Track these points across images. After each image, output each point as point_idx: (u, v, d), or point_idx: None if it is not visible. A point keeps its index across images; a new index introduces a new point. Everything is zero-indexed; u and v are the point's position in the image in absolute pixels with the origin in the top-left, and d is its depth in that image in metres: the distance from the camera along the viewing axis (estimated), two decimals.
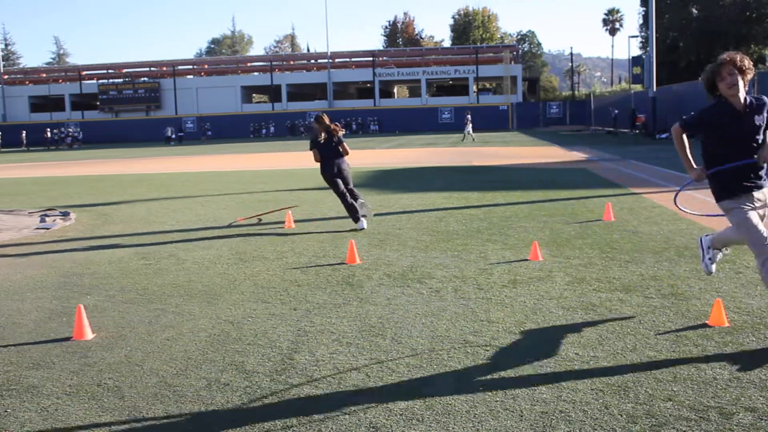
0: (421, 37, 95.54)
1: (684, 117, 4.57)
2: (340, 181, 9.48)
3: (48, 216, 11.71)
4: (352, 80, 71.87)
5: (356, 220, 9.45)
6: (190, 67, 76.48)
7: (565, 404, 3.51)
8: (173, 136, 57.57)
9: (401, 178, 17.51)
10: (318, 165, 9.66)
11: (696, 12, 52.22)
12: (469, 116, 41.80)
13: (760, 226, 4.39)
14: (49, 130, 60.32)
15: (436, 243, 8.12)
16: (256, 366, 4.23)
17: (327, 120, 9.57)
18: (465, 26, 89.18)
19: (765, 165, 4.41)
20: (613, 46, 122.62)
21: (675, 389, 3.65)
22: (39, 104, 72.19)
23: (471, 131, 40.41)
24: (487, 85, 77.81)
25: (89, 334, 4.93)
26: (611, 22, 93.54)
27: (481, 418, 3.40)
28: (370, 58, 68.20)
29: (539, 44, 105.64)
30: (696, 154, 4.53)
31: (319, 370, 4.14)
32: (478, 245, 7.88)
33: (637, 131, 40.71)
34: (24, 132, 59.34)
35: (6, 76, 73.26)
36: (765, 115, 4.36)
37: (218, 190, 15.77)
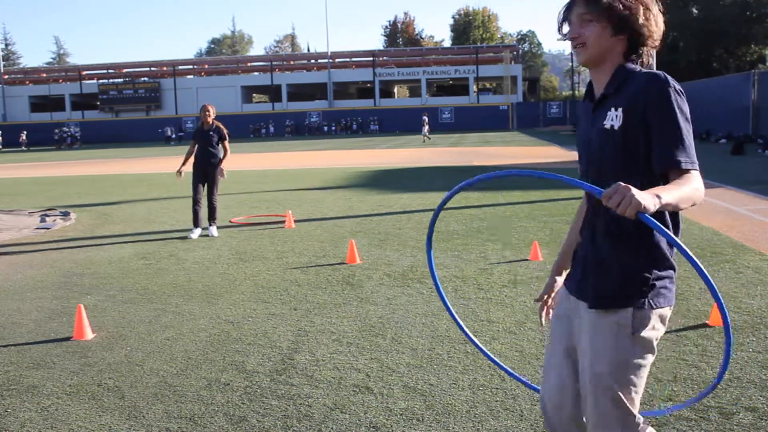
0: (421, 37, 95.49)
1: None
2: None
3: (48, 216, 11.71)
4: (352, 80, 71.83)
5: (192, 228, 9.37)
6: (190, 67, 76.43)
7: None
8: (173, 135, 57.60)
9: (401, 178, 17.51)
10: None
11: (696, 12, 52.19)
12: (425, 117, 42.37)
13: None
14: (63, 128, 60.58)
15: (436, 243, 8.11)
16: (256, 366, 4.23)
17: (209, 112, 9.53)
18: (465, 26, 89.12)
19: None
20: None
21: (675, 389, 3.64)
22: (39, 104, 72.14)
23: (427, 133, 40.91)
24: (487, 85, 77.78)
25: (89, 334, 4.93)
26: None
27: (481, 418, 3.40)
28: (370, 58, 68.17)
29: (539, 44, 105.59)
30: None
31: (319, 370, 4.14)
32: (478, 245, 7.88)
33: None
34: (24, 132, 59.15)
35: (6, 76, 73.21)
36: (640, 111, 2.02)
37: (218, 190, 15.74)
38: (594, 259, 2.11)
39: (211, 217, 9.43)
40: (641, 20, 2.01)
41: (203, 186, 9.45)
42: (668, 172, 1.95)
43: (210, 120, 9.45)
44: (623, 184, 1.72)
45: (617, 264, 2.05)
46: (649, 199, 1.72)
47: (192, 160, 9.50)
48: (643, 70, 2.05)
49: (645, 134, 1.98)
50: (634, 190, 1.70)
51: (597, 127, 2.08)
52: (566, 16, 2.09)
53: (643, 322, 2.03)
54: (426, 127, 41.11)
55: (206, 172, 9.39)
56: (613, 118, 2.01)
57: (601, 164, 2.07)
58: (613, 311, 2.04)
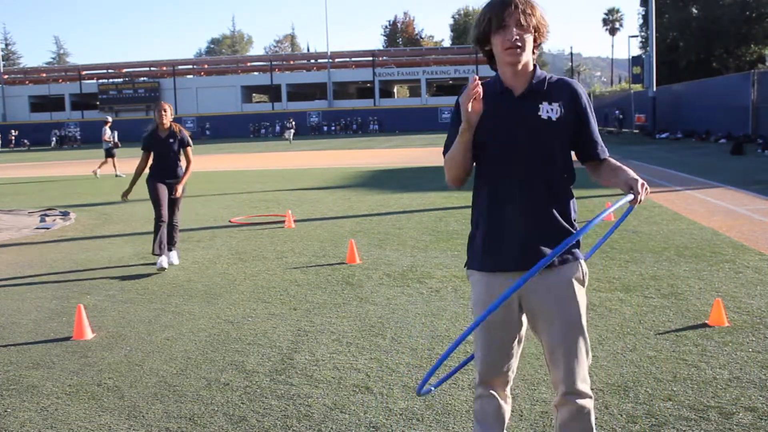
0: (421, 37, 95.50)
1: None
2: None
3: (48, 216, 11.71)
4: (352, 80, 71.80)
5: (157, 253, 7.19)
6: (190, 66, 76.39)
7: None
8: None
9: (401, 177, 17.51)
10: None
11: (696, 12, 52.15)
12: (292, 122, 43.50)
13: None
14: (63, 129, 60.73)
15: (436, 243, 8.11)
16: (256, 366, 4.24)
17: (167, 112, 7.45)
18: (465, 26, 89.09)
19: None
20: (613, 45, 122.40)
21: (675, 389, 3.65)
22: (39, 104, 72.12)
23: (291, 136, 42.04)
24: None
25: (89, 334, 4.94)
26: (611, 21, 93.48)
27: None
28: (370, 58, 68.15)
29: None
30: None
31: (319, 370, 4.14)
32: None
33: (637, 131, 40.79)
34: (27, 142, 58.75)
35: (6, 76, 73.17)
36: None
37: (218, 189, 15.77)
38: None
39: (171, 241, 7.41)
40: (545, 37, 2.44)
41: (167, 204, 7.35)
42: (594, 159, 2.48)
43: (167, 122, 7.41)
44: (640, 180, 2.31)
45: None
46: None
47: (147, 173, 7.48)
48: (556, 75, 2.48)
49: (577, 129, 2.42)
50: (642, 180, 2.32)
51: (525, 115, 2.38)
52: (500, 15, 2.33)
53: None
54: (291, 131, 42.08)
55: (170, 186, 7.38)
56: (549, 111, 2.37)
57: (529, 149, 2.38)
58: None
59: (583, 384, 2.46)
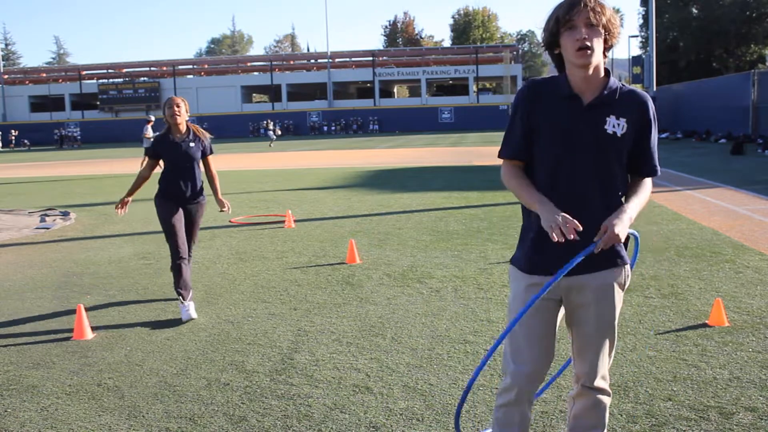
0: (421, 37, 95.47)
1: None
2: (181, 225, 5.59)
3: (48, 216, 11.71)
4: (352, 80, 71.79)
5: (183, 296, 5.36)
6: (190, 66, 76.37)
7: (565, 404, 3.51)
8: None
9: (401, 177, 17.51)
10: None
11: (696, 12, 52.13)
12: (270, 123, 43.64)
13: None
14: (63, 129, 60.87)
15: (436, 243, 8.11)
16: (256, 366, 4.24)
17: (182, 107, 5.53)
18: (465, 26, 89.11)
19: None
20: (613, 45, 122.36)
21: (675, 389, 3.65)
22: (39, 104, 72.12)
23: (274, 137, 42.31)
24: (487, 85, 77.75)
25: (89, 334, 4.94)
26: None
27: (481, 418, 3.40)
28: (370, 58, 68.14)
29: (539, 44, 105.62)
30: None
31: (319, 370, 4.14)
32: (478, 245, 7.88)
33: None
34: (27, 141, 58.94)
35: (6, 76, 73.15)
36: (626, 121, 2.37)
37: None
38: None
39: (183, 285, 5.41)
40: (616, 38, 2.31)
41: (184, 233, 5.60)
42: (643, 176, 2.44)
43: (182, 123, 5.54)
44: (612, 232, 2.21)
45: None
46: (626, 227, 2.27)
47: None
48: (628, 86, 2.38)
49: (635, 143, 2.36)
50: (618, 229, 2.22)
51: (591, 127, 2.32)
52: (567, 14, 2.24)
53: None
54: (273, 131, 42.28)
55: (188, 210, 5.68)
56: (615, 126, 2.32)
57: (587, 160, 2.33)
58: None
59: (604, 381, 2.53)
